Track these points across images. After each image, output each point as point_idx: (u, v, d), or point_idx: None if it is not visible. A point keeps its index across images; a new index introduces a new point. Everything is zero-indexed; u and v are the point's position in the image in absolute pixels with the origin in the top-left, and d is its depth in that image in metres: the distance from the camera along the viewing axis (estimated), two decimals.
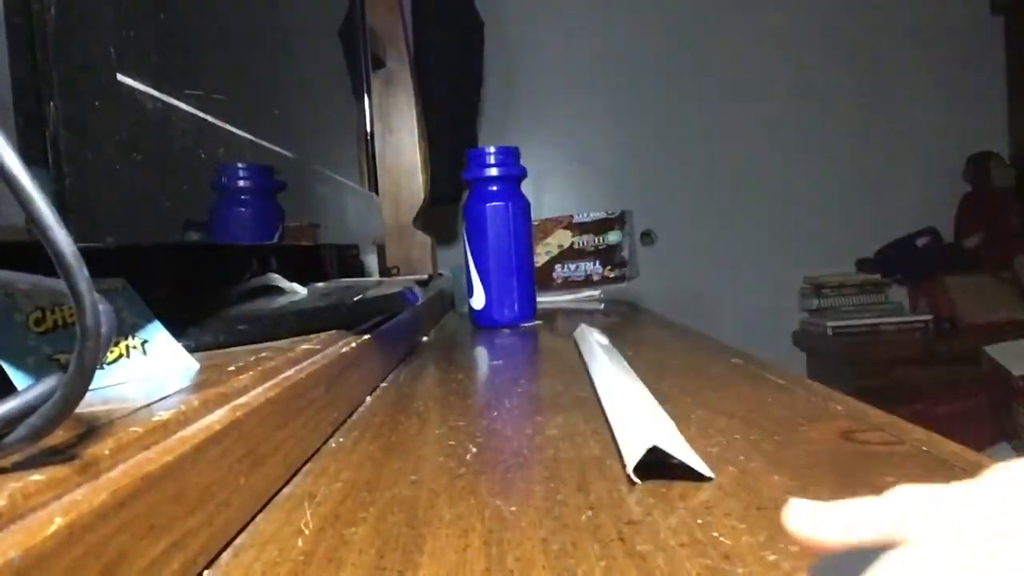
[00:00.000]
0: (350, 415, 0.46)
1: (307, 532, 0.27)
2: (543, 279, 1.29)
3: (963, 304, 2.25)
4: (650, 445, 0.30)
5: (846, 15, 2.49)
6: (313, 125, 0.76)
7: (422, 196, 1.52)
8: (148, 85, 0.34)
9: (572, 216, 1.33)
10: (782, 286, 2.47)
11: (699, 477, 0.30)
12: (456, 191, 1.89)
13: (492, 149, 0.92)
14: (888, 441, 0.34)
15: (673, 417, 0.41)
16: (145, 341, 0.34)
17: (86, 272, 0.18)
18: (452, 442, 0.39)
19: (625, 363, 0.53)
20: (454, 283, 1.22)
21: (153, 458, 0.22)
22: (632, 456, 0.31)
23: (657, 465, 0.31)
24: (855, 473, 0.30)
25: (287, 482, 0.33)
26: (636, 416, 0.36)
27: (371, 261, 1.17)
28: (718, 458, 0.33)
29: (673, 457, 0.30)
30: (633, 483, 0.30)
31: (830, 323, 2.23)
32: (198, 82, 0.41)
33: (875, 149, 2.51)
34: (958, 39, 2.49)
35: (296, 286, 0.62)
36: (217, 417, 0.27)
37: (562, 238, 1.32)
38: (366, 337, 0.53)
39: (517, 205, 0.92)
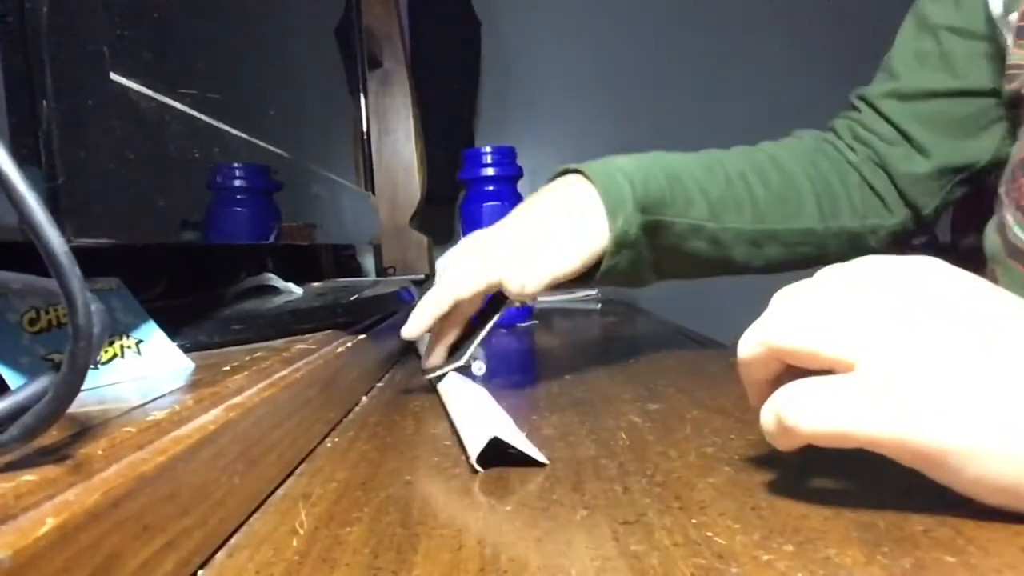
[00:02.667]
0: (345, 415, 0.46)
1: (302, 532, 0.27)
2: None
3: None
4: (491, 436, 0.33)
5: (844, 14, 2.50)
6: (309, 125, 0.76)
7: (418, 196, 1.51)
8: (142, 84, 0.34)
9: None
10: (780, 286, 2.47)
11: (536, 463, 0.33)
12: (452, 191, 1.89)
13: (488, 149, 0.92)
14: None
15: (668, 416, 0.41)
16: (140, 341, 0.34)
17: (78, 272, 0.18)
18: (447, 442, 0.38)
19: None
20: None
21: (147, 458, 0.22)
22: (475, 447, 0.34)
23: (498, 456, 0.34)
24: (851, 472, 0.30)
25: (282, 482, 0.33)
26: (477, 413, 0.39)
27: (367, 261, 1.17)
28: (713, 458, 0.33)
29: (512, 447, 0.33)
30: (476, 471, 0.33)
31: None
32: (192, 81, 0.41)
33: None
34: None
35: (292, 286, 0.62)
36: (212, 417, 0.27)
37: None
38: (362, 337, 0.53)
39: (513, 205, 0.91)
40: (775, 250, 0.58)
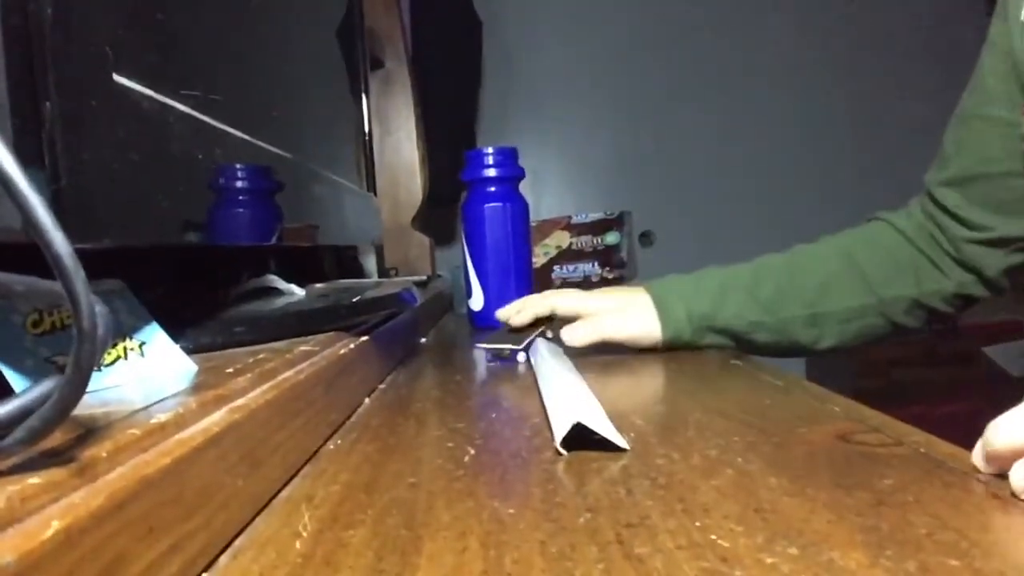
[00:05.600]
0: (348, 417, 0.46)
1: (305, 534, 0.27)
2: (541, 280, 1.28)
3: None
4: (575, 421, 0.35)
5: (843, 17, 2.50)
6: (311, 126, 0.76)
7: (420, 197, 1.51)
8: (145, 85, 0.34)
9: (570, 217, 1.33)
10: None
11: (616, 448, 0.35)
12: (455, 192, 1.89)
13: (490, 150, 0.92)
14: (886, 443, 0.34)
15: (670, 418, 0.41)
16: (143, 343, 0.34)
17: (83, 274, 0.18)
18: (450, 444, 0.38)
19: (565, 358, 0.59)
20: (452, 284, 1.22)
21: (151, 460, 0.22)
22: (559, 431, 0.36)
23: (582, 440, 0.35)
24: (853, 475, 0.30)
25: (285, 484, 0.33)
26: (565, 399, 0.41)
27: (369, 262, 1.17)
28: (716, 460, 0.33)
29: (595, 432, 0.35)
30: (560, 453, 0.35)
31: None
32: (195, 82, 0.41)
33: (872, 149, 2.52)
34: (955, 39, 2.50)
35: (294, 287, 0.62)
36: (215, 419, 0.27)
37: (560, 239, 1.32)
38: (364, 339, 0.53)
39: (515, 206, 0.92)
40: (837, 327, 0.67)
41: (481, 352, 0.71)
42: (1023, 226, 0.61)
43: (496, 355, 0.67)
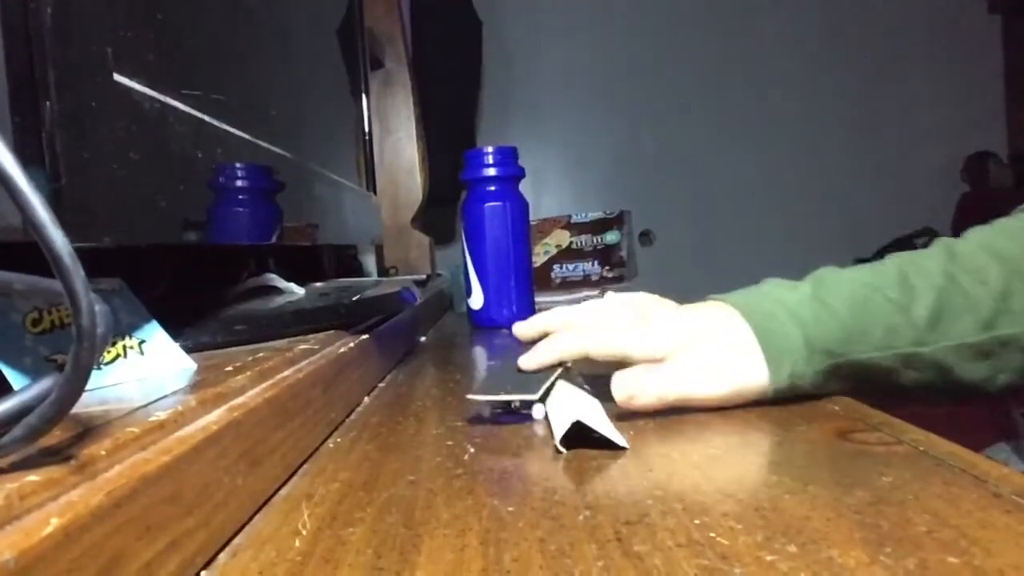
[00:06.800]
0: (348, 415, 0.46)
1: (304, 532, 0.27)
2: (541, 279, 1.28)
3: None
4: (574, 420, 0.35)
5: (843, 16, 2.50)
6: (311, 125, 0.76)
7: (420, 196, 1.51)
8: (145, 85, 0.34)
9: (570, 216, 1.33)
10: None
11: (616, 447, 0.35)
12: (454, 191, 1.89)
13: (490, 149, 0.92)
14: (886, 441, 0.34)
15: (670, 416, 0.41)
16: (142, 341, 0.34)
17: (82, 272, 0.18)
18: (450, 442, 0.38)
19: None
20: (452, 283, 1.22)
21: (150, 458, 0.22)
22: (559, 429, 0.36)
23: (581, 438, 0.36)
24: (853, 473, 0.30)
25: (285, 483, 0.33)
26: (565, 397, 0.42)
27: (369, 261, 1.17)
28: (716, 458, 0.33)
29: (595, 431, 0.35)
30: (560, 452, 0.35)
31: None
32: (195, 82, 0.41)
33: (873, 149, 2.52)
34: (955, 38, 2.50)
35: (294, 286, 0.62)
36: (214, 417, 0.27)
37: (560, 238, 1.32)
38: (364, 337, 0.53)
39: (515, 205, 0.92)
40: (1020, 357, 0.44)
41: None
42: None
43: (502, 409, 0.44)
